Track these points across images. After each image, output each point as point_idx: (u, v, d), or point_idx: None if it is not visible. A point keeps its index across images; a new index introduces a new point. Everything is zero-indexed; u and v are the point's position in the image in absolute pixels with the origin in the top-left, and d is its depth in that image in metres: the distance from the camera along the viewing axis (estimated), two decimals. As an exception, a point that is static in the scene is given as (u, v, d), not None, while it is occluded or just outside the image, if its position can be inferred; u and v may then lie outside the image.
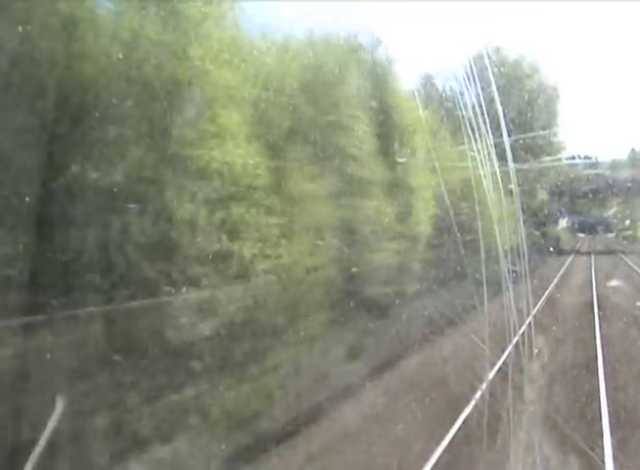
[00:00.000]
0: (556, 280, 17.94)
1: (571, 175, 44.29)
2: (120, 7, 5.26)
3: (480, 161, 9.10)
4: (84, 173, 3.86)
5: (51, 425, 3.50)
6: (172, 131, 4.60)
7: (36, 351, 3.56)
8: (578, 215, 64.31)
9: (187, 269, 4.54)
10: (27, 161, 3.88)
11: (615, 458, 4.93)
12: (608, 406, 6.08)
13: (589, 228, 65.36)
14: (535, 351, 7.95)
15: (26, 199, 3.88)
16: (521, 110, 27.51)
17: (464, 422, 5.53)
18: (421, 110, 13.70)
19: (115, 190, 4.06)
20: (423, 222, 11.71)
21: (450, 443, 5.14)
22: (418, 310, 9.27)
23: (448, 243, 11.28)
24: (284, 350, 5.33)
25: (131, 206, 4.15)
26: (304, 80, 7.43)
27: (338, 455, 4.69)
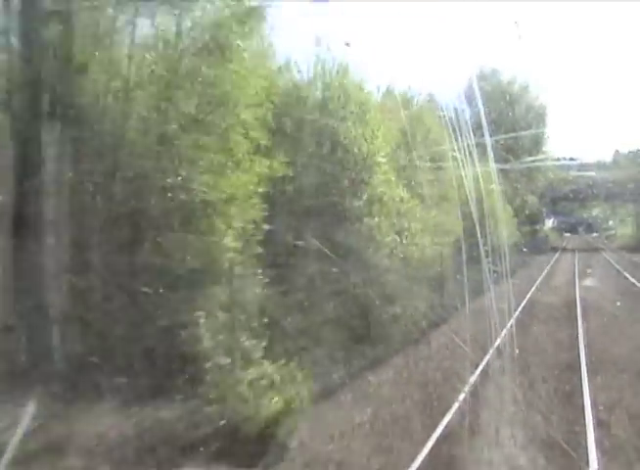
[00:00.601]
0: (548, 267, 23.47)
1: (557, 176, 49.63)
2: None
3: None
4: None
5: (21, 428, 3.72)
6: (371, 181, 9.70)
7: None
8: (564, 216, 70.02)
9: (379, 250, 9.61)
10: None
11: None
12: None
13: (574, 228, 71.17)
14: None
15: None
16: (514, 124, 32.91)
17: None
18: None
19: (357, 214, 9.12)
20: (458, 224, 16.93)
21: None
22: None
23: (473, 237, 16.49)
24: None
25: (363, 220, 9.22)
26: (403, 135, 12.52)
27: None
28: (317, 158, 8.31)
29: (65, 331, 4.86)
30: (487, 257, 13.03)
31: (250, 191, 6.23)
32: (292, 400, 4.83)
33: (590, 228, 68.14)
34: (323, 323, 7.20)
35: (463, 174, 12.97)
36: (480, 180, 17.05)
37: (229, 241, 5.95)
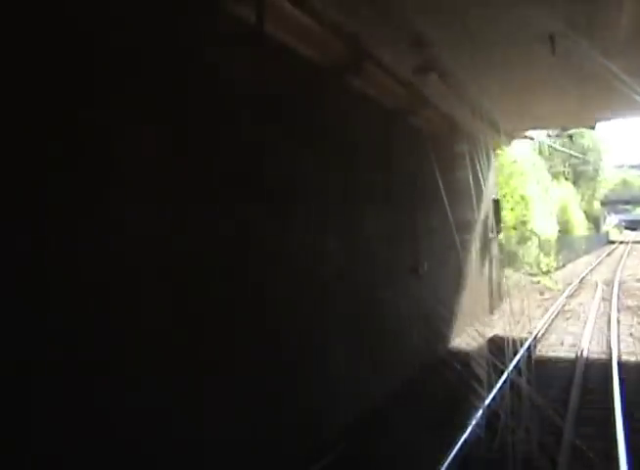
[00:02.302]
0: (608, 250, 39.91)
1: (617, 181, 65.25)
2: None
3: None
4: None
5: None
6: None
7: None
8: (623, 215, 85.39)
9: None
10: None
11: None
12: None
13: (634, 225, 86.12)
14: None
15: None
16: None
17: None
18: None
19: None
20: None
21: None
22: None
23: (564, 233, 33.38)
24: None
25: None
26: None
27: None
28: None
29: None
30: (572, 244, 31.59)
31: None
32: (551, 266, 21.82)
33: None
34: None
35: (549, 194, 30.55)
36: (564, 198, 34.62)
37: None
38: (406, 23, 6.30)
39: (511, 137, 13.37)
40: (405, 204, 8.33)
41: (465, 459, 4.87)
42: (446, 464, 4.40)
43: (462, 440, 5.06)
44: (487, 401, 6.02)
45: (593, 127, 13.87)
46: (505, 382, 6.72)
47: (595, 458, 4.47)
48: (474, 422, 5.41)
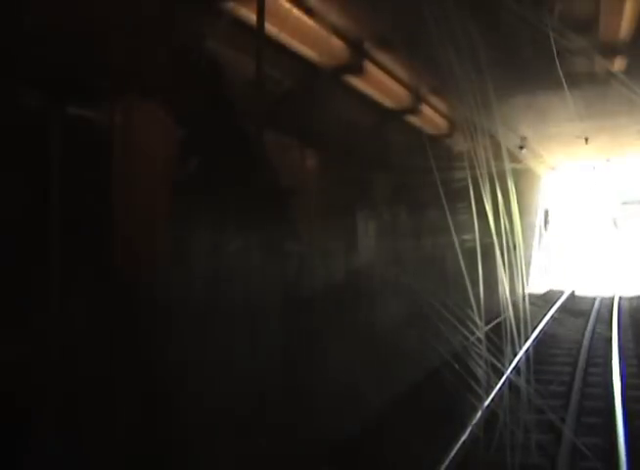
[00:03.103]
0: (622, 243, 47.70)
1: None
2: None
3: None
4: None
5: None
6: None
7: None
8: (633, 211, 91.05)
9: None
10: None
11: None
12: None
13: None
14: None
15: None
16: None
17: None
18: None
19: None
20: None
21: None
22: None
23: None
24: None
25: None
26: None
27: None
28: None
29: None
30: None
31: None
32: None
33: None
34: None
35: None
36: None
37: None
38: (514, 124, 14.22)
39: (553, 167, 21.22)
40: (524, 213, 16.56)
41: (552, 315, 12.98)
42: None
43: (547, 314, 13.15)
44: (557, 305, 14.24)
45: (608, 160, 21.74)
46: (562, 302, 14.97)
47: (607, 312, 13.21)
48: (556, 306, 13.56)
